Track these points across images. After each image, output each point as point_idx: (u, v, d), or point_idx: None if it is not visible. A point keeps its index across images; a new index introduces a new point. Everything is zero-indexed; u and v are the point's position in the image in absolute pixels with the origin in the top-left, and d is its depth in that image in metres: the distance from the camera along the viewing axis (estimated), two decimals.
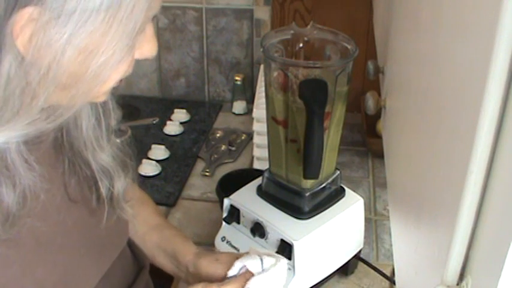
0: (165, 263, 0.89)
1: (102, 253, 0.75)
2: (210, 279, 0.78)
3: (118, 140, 0.76)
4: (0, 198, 0.57)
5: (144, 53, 0.62)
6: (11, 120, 0.55)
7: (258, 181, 1.03)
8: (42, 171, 0.61)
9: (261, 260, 0.74)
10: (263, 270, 0.73)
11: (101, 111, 0.72)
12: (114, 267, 0.77)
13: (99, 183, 0.73)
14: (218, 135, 1.54)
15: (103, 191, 0.73)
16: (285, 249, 0.91)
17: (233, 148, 1.48)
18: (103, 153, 0.73)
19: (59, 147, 0.70)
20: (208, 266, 0.80)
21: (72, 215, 0.70)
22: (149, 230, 0.90)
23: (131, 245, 0.85)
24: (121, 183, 0.75)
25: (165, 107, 1.67)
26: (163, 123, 1.57)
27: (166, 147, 1.45)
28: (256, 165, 1.33)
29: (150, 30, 0.62)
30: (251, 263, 0.74)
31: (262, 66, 1.40)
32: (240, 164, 1.42)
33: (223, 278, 0.76)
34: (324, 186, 0.98)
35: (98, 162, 0.72)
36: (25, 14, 0.51)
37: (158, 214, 0.94)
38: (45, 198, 0.63)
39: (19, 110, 0.55)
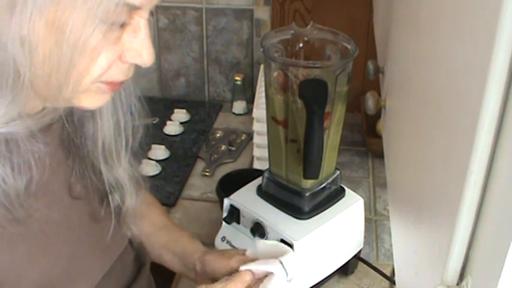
0: (172, 263, 0.89)
1: (105, 251, 0.76)
2: (215, 275, 0.79)
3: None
4: (10, 170, 0.58)
5: (136, 58, 0.60)
6: (6, 100, 0.55)
7: (258, 181, 1.03)
8: (46, 138, 0.62)
9: (285, 270, 0.73)
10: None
11: (123, 127, 0.73)
12: (116, 264, 0.78)
13: (109, 196, 0.74)
14: (218, 135, 1.54)
15: (112, 203, 0.74)
16: None
17: (233, 148, 1.48)
18: (120, 169, 0.74)
19: (67, 152, 0.71)
20: (213, 261, 0.80)
21: (77, 211, 0.71)
22: (156, 230, 0.91)
23: (132, 242, 0.86)
24: (132, 201, 0.77)
25: (165, 107, 1.67)
26: (163, 123, 1.56)
27: (166, 147, 1.45)
28: (256, 165, 1.33)
29: (143, 33, 0.59)
30: (275, 268, 0.73)
31: (262, 66, 1.40)
32: (240, 164, 1.42)
33: (232, 272, 0.75)
34: (324, 186, 0.98)
35: (113, 176, 0.73)
36: None
37: (165, 215, 0.96)
38: (50, 182, 0.65)
39: (13, 89, 0.55)
